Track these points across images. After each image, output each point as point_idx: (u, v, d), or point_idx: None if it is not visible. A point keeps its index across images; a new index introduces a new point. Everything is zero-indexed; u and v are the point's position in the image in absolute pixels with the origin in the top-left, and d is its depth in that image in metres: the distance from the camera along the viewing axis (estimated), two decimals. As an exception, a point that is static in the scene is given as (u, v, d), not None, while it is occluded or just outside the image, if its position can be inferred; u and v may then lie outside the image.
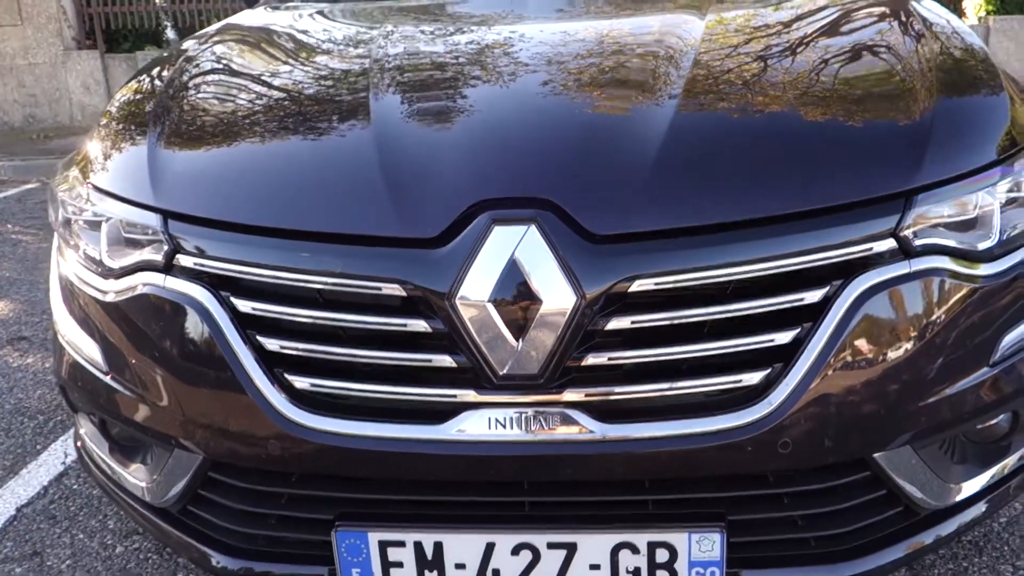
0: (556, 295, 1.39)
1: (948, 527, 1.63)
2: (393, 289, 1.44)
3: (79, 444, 2.01)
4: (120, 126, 1.92)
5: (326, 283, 1.47)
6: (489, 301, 1.40)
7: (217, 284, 1.54)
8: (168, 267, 1.58)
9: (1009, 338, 1.57)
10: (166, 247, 1.58)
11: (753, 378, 1.43)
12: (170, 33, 12.27)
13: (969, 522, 1.65)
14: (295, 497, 1.60)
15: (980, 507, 1.66)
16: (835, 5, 2.21)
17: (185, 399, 1.57)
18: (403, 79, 1.81)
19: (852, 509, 1.55)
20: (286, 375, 1.50)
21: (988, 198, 1.56)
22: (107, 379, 1.69)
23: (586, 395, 1.44)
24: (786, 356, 1.43)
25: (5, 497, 2.46)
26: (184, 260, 1.56)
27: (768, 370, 1.43)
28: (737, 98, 1.64)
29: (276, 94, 1.87)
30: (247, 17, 2.64)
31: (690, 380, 1.44)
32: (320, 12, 2.64)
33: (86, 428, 1.94)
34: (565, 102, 1.68)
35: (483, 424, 1.45)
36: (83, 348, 1.76)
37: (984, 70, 1.81)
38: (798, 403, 1.42)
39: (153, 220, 1.61)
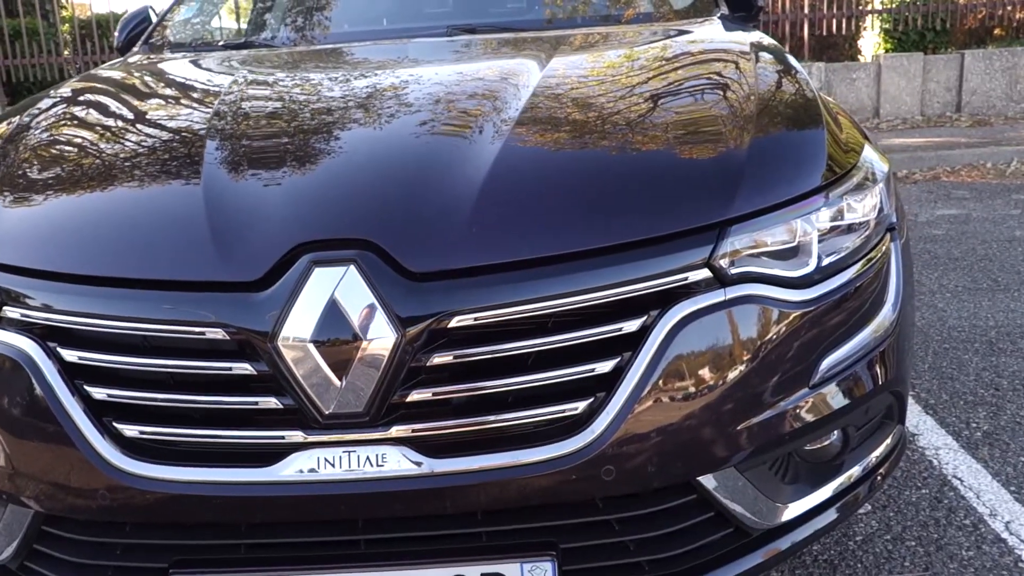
0: (376, 333, 1.41)
1: (782, 544, 1.67)
2: (216, 333, 1.45)
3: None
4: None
5: (151, 330, 1.48)
6: (311, 341, 1.42)
7: (45, 335, 1.53)
8: None
9: (828, 361, 1.63)
10: None
11: (577, 407, 1.47)
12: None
13: (803, 540, 1.70)
14: (130, 546, 1.58)
15: (815, 523, 1.72)
16: (673, 50, 2.31)
17: (13, 452, 1.55)
18: (240, 127, 1.84)
19: (682, 532, 1.58)
20: (115, 423, 1.50)
21: (806, 226, 1.63)
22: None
23: (412, 431, 1.46)
24: (608, 385, 1.47)
25: None
26: (11, 312, 1.55)
27: (591, 399, 1.47)
28: (561, 138, 1.71)
29: (113, 146, 1.87)
30: (108, 68, 2.64)
31: (516, 411, 1.47)
32: (188, 61, 2.66)
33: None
34: (392, 144, 1.72)
35: (312, 463, 1.46)
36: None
37: (804, 106, 1.90)
38: (619, 430, 1.46)
39: None
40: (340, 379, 1.43)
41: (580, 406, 1.47)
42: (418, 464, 1.45)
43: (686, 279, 1.51)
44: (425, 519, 1.53)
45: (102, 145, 1.89)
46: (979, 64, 9.83)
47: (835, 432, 1.74)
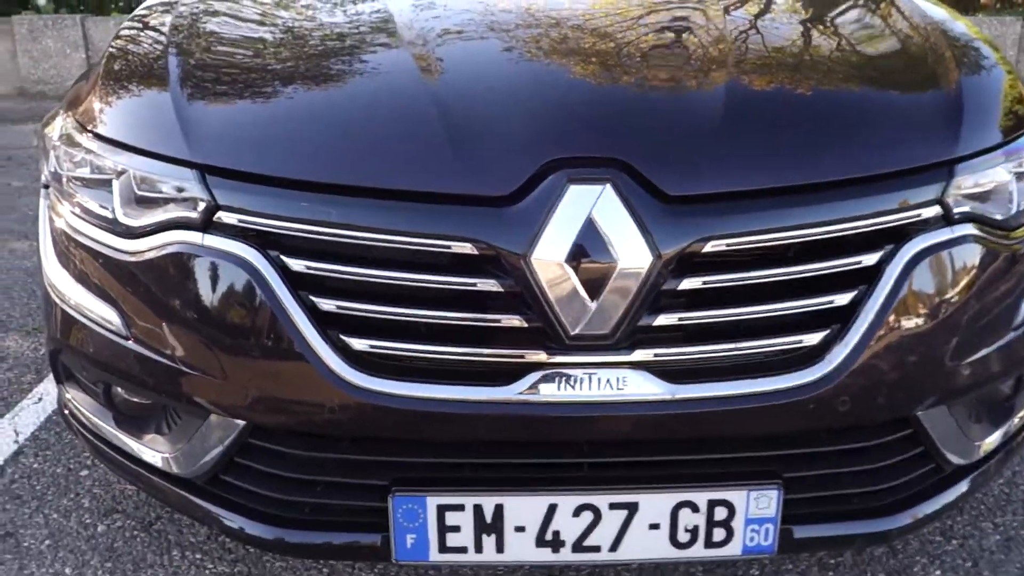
0: (632, 255, 1.39)
1: (965, 484, 1.71)
2: (463, 248, 1.41)
3: (68, 416, 1.89)
4: (128, 72, 1.81)
5: (388, 241, 1.43)
6: (566, 260, 1.39)
7: (264, 242, 1.47)
8: (206, 224, 1.50)
9: (1027, 302, 1.66)
10: (204, 204, 1.50)
11: (813, 339, 1.47)
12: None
13: (982, 478, 1.74)
14: (344, 462, 1.55)
15: (989, 466, 1.76)
16: None
17: (228, 363, 1.50)
18: (454, 33, 1.78)
19: (890, 467, 1.61)
20: (342, 336, 1.45)
21: (1011, 169, 1.64)
22: (128, 344, 1.59)
23: (655, 355, 1.45)
24: (844, 317, 1.47)
25: (-42, 478, 2.29)
26: (227, 217, 1.49)
27: (827, 331, 1.47)
28: (790, 69, 1.70)
29: (313, 41, 1.80)
30: None
31: (755, 340, 1.46)
32: None
33: (80, 399, 1.83)
34: (630, 64, 1.68)
35: (552, 385, 1.44)
36: (92, 311, 1.65)
37: (992, 52, 1.91)
38: (856, 362, 1.47)
39: (187, 175, 1.52)
40: (592, 300, 1.40)
41: (816, 338, 1.47)
42: (659, 390, 1.44)
43: (919, 215, 1.51)
44: (652, 444, 1.53)
45: (299, 42, 1.80)
46: None
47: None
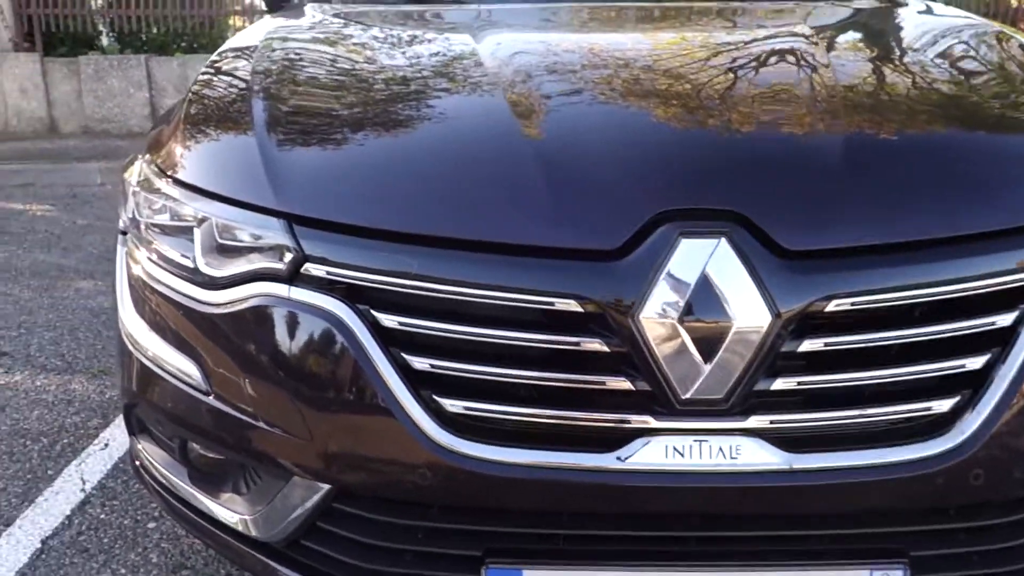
0: (750, 314, 1.29)
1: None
2: (567, 304, 1.32)
3: (140, 469, 1.82)
4: (210, 117, 1.76)
5: (487, 297, 1.34)
6: (678, 319, 1.29)
7: (353, 296, 1.40)
8: (292, 276, 1.43)
9: None
10: (291, 254, 1.43)
11: (943, 405, 1.35)
12: (105, 39, 11.87)
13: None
14: (434, 530, 1.46)
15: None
16: (931, 26, 2.19)
17: (314, 423, 1.42)
18: (548, 78, 1.70)
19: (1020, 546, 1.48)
20: (435, 397, 1.37)
21: None
22: (209, 400, 1.52)
23: (771, 422, 1.34)
24: (976, 382, 1.36)
25: (26, 528, 2.24)
26: (314, 269, 1.41)
27: (958, 397, 1.36)
28: (910, 113, 1.60)
29: (400, 87, 1.73)
30: (305, 11, 2.48)
31: (878, 407, 1.35)
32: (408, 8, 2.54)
33: (153, 453, 1.77)
34: (737, 110, 1.58)
35: (659, 452, 1.34)
36: (171, 363, 1.58)
37: None
38: (990, 432, 1.34)
39: (274, 224, 1.46)
40: (705, 362, 1.30)
41: (947, 404, 1.35)
42: (776, 459, 1.33)
43: None
44: (769, 518, 1.41)
45: (383, 89, 1.74)
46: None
47: None
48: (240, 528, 1.58)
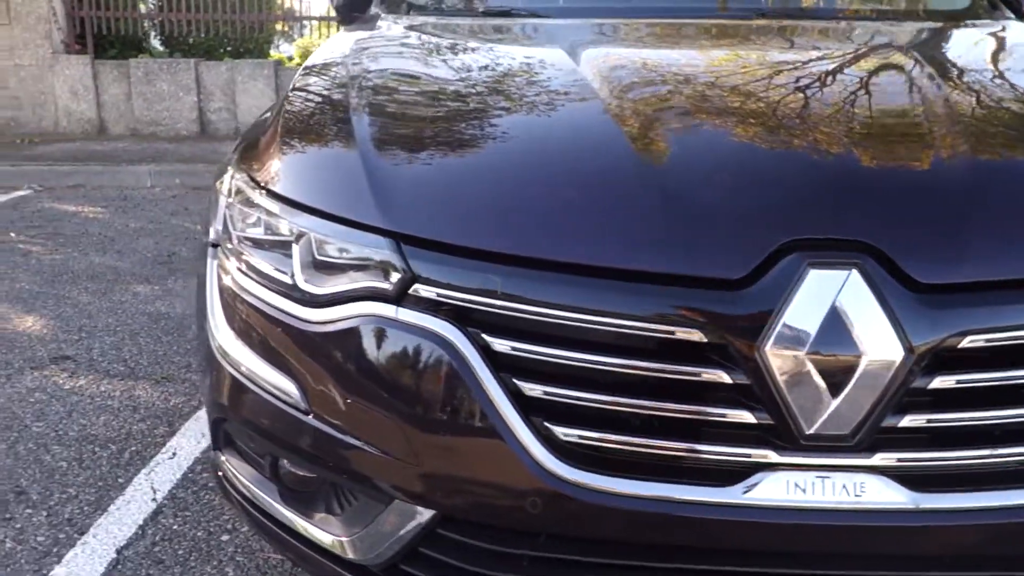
0: (881, 348, 1.25)
1: None
2: (689, 334, 1.28)
3: (225, 484, 1.80)
4: (309, 130, 1.74)
5: (603, 324, 1.31)
6: (806, 352, 1.25)
7: (463, 319, 1.37)
8: (400, 297, 1.41)
9: None
10: (399, 275, 1.40)
11: None
12: (155, 42, 12.02)
13: None
14: (540, 560, 1.42)
15: None
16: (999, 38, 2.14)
17: (422, 448, 1.39)
18: (663, 96, 1.66)
19: None
20: (546, 424, 1.33)
21: None
22: (308, 419, 1.50)
23: (897, 460, 1.29)
24: None
25: (101, 537, 2.23)
26: (424, 291, 1.39)
27: None
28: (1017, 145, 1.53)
29: (501, 106, 1.70)
30: (376, 30, 2.46)
31: (1012, 447, 1.30)
32: (485, 21, 2.52)
33: (239, 468, 1.74)
34: (865, 136, 1.53)
35: (779, 488, 1.30)
36: (267, 380, 1.56)
37: None
38: None
39: (381, 243, 1.43)
40: (832, 396, 1.26)
41: None
42: (903, 499, 1.29)
43: None
44: (895, 559, 1.36)
45: (496, 104, 1.72)
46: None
47: None
48: (336, 550, 1.55)
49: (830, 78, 1.83)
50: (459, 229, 1.41)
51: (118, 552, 2.18)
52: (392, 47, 2.22)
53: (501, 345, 1.34)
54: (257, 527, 1.73)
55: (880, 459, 1.29)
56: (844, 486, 1.30)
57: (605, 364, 1.31)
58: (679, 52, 2.10)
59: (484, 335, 1.35)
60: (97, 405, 3.00)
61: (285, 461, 1.65)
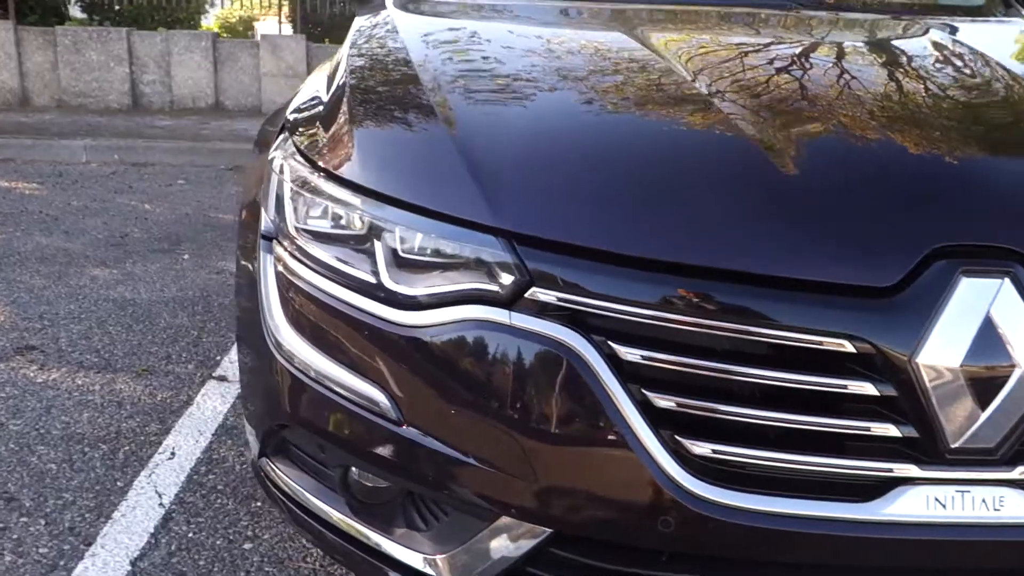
0: (1034, 359, 1.21)
1: None
2: (837, 344, 1.22)
3: (276, 494, 1.68)
4: (385, 115, 1.61)
5: (742, 332, 1.24)
6: (960, 364, 1.20)
7: (583, 325, 1.28)
8: (513, 301, 1.31)
9: None
10: (513, 276, 1.31)
11: None
12: (74, 9, 11.47)
13: None
14: (659, 580, 1.35)
15: None
16: None
17: (540, 463, 1.30)
18: (761, 92, 1.59)
19: None
20: (676, 437, 1.26)
21: None
22: (400, 431, 1.39)
23: (1038, 473, 1.26)
24: None
25: (110, 548, 2.07)
26: (542, 294, 1.29)
27: None
28: None
29: (599, 96, 1.61)
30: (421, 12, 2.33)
31: None
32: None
33: (295, 478, 1.62)
34: (1005, 140, 1.48)
35: (919, 503, 1.25)
36: (348, 387, 1.44)
37: None
38: None
39: (492, 242, 1.33)
40: (982, 409, 1.22)
41: None
42: (1046, 512, 1.25)
43: None
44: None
45: (582, 97, 1.62)
46: None
47: None
48: (426, 568, 1.45)
49: (942, 73, 1.79)
50: (586, 230, 1.32)
51: (132, 564, 2.02)
52: (456, 24, 2.11)
53: (630, 354, 1.26)
54: (319, 541, 1.62)
55: (1020, 472, 1.26)
56: (984, 500, 1.26)
57: (742, 375, 1.24)
58: (753, 40, 2.03)
59: (610, 343, 1.27)
60: (76, 400, 2.81)
61: (355, 471, 1.54)
